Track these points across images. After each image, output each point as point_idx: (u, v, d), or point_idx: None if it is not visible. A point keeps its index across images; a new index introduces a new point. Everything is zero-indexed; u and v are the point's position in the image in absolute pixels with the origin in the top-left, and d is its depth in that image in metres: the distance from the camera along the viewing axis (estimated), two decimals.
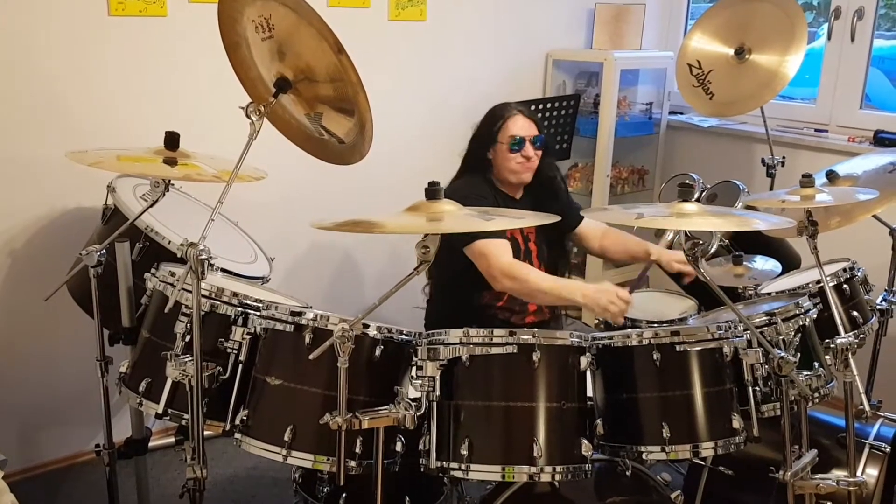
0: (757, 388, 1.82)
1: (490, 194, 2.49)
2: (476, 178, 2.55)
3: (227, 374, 1.85)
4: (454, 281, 2.51)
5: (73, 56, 2.64)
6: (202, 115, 2.85)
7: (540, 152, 2.49)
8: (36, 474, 2.87)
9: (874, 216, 2.33)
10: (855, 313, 2.29)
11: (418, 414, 1.70)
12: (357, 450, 1.74)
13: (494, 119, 2.51)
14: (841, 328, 2.01)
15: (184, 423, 1.87)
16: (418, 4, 3.33)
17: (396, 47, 3.33)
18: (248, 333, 1.85)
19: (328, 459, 1.73)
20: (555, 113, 3.59)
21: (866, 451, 2.16)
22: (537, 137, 2.47)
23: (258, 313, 1.86)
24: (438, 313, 2.69)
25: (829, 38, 3.47)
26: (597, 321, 2.64)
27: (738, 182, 2.87)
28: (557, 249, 2.62)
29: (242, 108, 1.87)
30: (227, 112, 2.05)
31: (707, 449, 1.77)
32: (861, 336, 2.26)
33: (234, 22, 1.88)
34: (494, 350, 1.72)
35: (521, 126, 2.47)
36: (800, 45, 3.05)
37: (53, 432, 2.90)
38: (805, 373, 1.81)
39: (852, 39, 3.39)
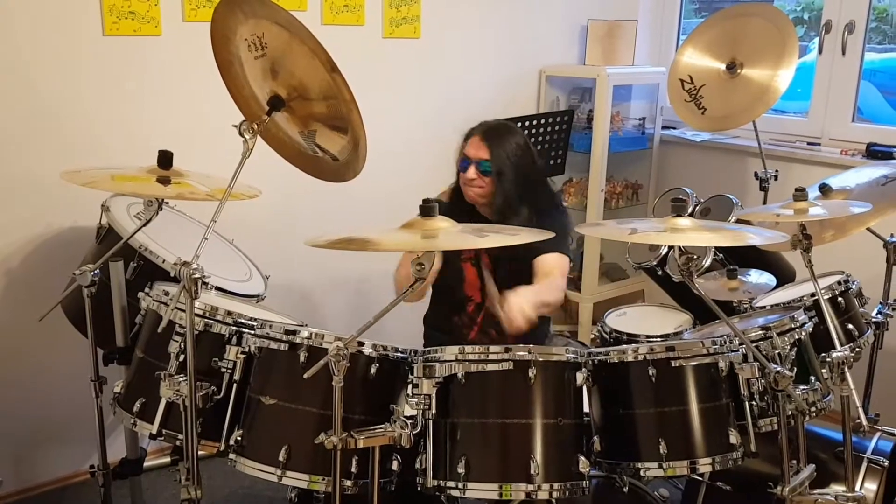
0: (753, 403, 1.82)
1: (458, 210, 2.43)
2: (457, 193, 2.57)
3: (222, 394, 1.84)
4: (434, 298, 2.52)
5: (68, 75, 2.64)
6: (196, 134, 2.85)
7: (488, 179, 2.43)
8: (31, 495, 2.85)
9: (868, 229, 2.34)
10: (850, 326, 2.29)
11: (414, 432, 1.70)
12: (353, 469, 1.73)
13: (464, 137, 2.53)
14: (837, 341, 2.01)
15: (178, 443, 1.86)
16: (412, 22, 3.35)
17: (390, 65, 3.35)
18: (242, 352, 1.84)
19: (323, 479, 1.72)
20: (549, 129, 3.60)
21: (864, 465, 2.14)
22: (484, 162, 2.42)
23: (252, 332, 1.86)
24: (429, 332, 2.72)
25: (820, 51, 3.49)
26: (592, 336, 2.64)
27: (731, 196, 2.88)
28: (514, 277, 2.46)
29: (236, 126, 1.87)
30: (221, 130, 2.05)
31: (704, 465, 1.76)
32: (857, 349, 2.25)
33: (227, 41, 1.88)
34: (490, 367, 1.72)
35: (473, 147, 2.46)
36: (791, 59, 3.06)
37: (48, 453, 2.88)
38: (801, 387, 1.81)
39: (843, 53, 3.41)
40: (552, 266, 2.40)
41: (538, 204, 2.49)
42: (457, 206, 2.51)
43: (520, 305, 2.14)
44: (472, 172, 2.44)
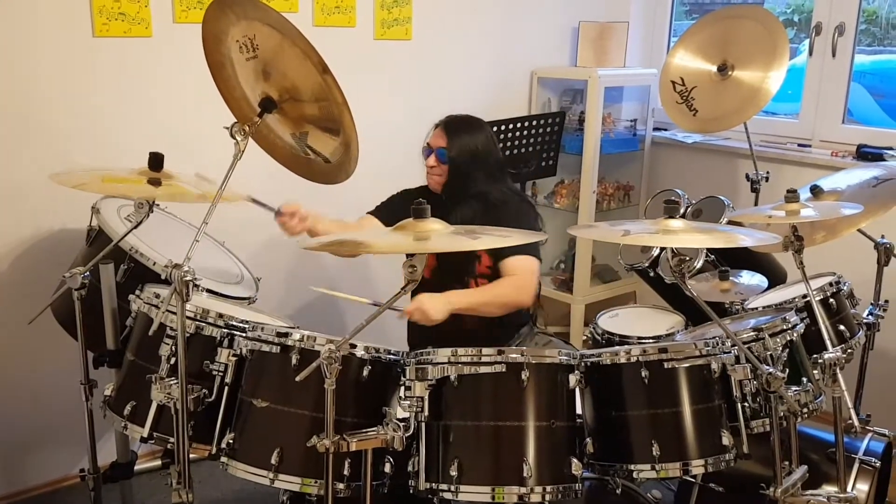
0: (746, 405, 1.82)
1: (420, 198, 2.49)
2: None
3: (213, 397, 1.84)
4: None
5: (58, 77, 2.63)
6: (187, 136, 2.84)
7: (445, 166, 2.54)
8: (20, 500, 2.83)
9: (859, 230, 2.34)
10: (842, 327, 2.30)
11: (407, 435, 1.69)
12: (345, 472, 1.73)
13: (432, 128, 2.64)
14: (828, 342, 2.01)
15: (169, 446, 1.85)
16: (403, 24, 3.35)
17: (382, 66, 3.34)
18: (234, 355, 1.84)
19: (316, 482, 1.72)
20: (540, 130, 3.60)
21: (856, 466, 2.15)
22: (440, 150, 2.54)
23: (244, 334, 1.85)
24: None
25: (810, 53, 3.51)
26: (585, 337, 2.64)
27: (722, 198, 2.89)
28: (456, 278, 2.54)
29: (227, 128, 1.87)
30: (212, 132, 2.05)
31: (697, 466, 1.76)
32: (848, 350, 2.26)
33: (218, 42, 1.87)
34: (483, 369, 1.71)
35: (434, 136, 2.59)
36: (782, 61, 3.07)
37: (38, 456, 2.86)
38: (794, 388, 1.81)
39: (833, 55, 3.43)
40: (515, 268, 2.44)
41: (491, 200, 2.53)
42: (422, 194, 2.57)
43: (421, 301, 2.17)
44: (431, 160, 2.57)
